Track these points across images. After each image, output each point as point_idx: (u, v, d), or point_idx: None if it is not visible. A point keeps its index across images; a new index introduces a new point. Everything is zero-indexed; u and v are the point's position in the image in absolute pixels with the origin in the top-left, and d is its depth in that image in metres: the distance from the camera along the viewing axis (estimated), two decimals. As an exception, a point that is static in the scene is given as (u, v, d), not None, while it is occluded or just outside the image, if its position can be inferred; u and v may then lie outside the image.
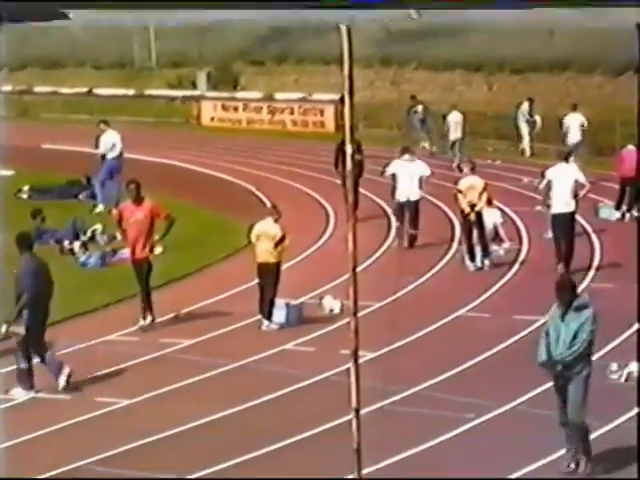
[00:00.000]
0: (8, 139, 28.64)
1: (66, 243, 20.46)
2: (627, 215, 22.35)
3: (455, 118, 31.54)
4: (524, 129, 32.41)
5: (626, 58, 39.91)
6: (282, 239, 15.49)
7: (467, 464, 10.40)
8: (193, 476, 10.47)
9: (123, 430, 11.55)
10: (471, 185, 18.81)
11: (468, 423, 11.43)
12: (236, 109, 43.15)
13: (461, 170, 21.66)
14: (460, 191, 18.83)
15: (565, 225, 18.00)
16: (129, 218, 15.52)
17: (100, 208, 23.88)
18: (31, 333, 12.73)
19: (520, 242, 20.52)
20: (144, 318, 15.36)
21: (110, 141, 24.54)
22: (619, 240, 20.38)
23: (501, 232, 20.05)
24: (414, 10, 42.74)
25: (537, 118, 32.41)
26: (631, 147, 22.77)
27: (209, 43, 50.05)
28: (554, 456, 10.55)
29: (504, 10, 43.76)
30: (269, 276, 15.47)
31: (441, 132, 32.32)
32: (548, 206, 18.59)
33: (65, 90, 46.83)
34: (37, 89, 47.21)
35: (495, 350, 13.98)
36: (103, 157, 24.56)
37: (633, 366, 12.81)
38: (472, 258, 18.71)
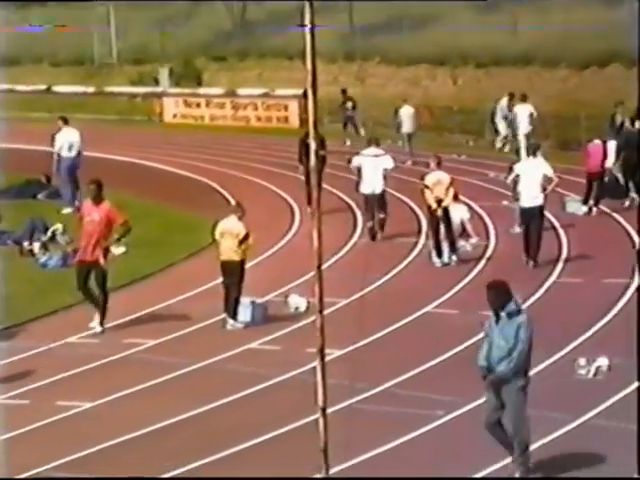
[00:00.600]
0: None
1: (26, 244, 20.30)
2: (594, 209, 22.50)
3: (407, 112, 31.92)
4: (501, 125, 32.26)
5: (590, 52, 40.21)
6: (246, 237, 15.46)
7: (436, 462, 10.41)
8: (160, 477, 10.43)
9: (85, 434, 11.48)
10: (437, 180, 18.86)
11: (437, 420, 11.46)
12: (199, 105, 43.04)
13: (416, 164, 21.81)
14: (427, 186, 18.88)
15: (533, 219, 18.20)
16: (85, 217, 15.41)
17: (68, 208, 23.65)
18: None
19: (487, 237, 20.60)
20: (101, 324, 15.18)
21: (66, 139, 24.35)
22: (586, 234, 20.53)
23: (468, 227, 20.13)
24: None
25: (517, 113, 32.43)
26: (597, 142, 22.94)
27: (171, 39, 49.90)
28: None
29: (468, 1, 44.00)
30: (233, 274, 15.43)
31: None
32: (516, 200, 18.78)
33: (22, 87, 46.42)
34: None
35: (463, 346, 14.02)
36: (59, 155, 24.35)
37: (601, 361, 12.89)
38: (439, 254, 18.76)
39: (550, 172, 18.39)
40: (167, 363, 13.70)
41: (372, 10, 45.96)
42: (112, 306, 15.73)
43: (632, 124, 24.28)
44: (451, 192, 18.89)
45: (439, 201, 18.72)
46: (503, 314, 9.87)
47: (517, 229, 20.17)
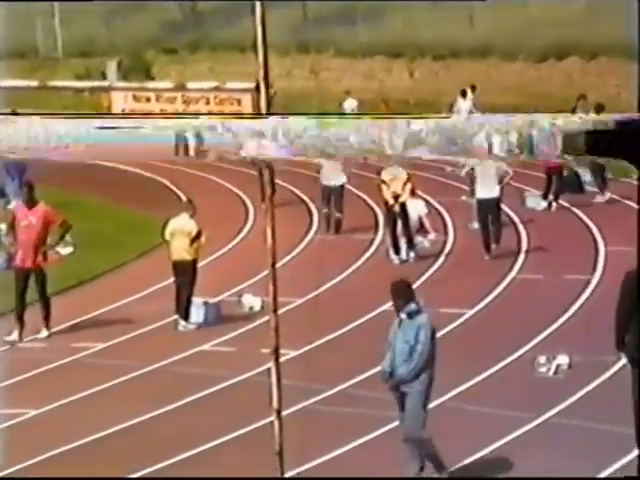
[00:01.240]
0: None
1: (-33, 245, 20.06)
2: (554, 204, 22.68)
3: (350, 105, 32.24)
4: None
5: (547, 44, 40.52)
6: (198, 235, 15.41)
7: (394, 464, 10.44)
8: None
9: (32, 442, 11.38)
10: (394, 176, 18.92)
11: (395, 421, 11.49)
12: (148, 100, 42.69)
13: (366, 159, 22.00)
14: (383, 182, 18.94)
15: (490, 210, 18.49)
16: (20, 221, 15.18)
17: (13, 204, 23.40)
18: None
19: (446, 233, 20.70)
20: (47, 328, 15.03)
21: None
22: (546, 230, 20.67)
23: (426, 223, 20.20)
24: None
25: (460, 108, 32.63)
26: (556, 134, 23.09)
27: (119, 31, 49.62)
28: (484, 451, 10.65)
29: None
30: (185, 274, 15.38)
31: None
32: (472, 192, 19.01)
33: (-39, 82, 45.95)
34: None
35: (421, 345, 14.05)
36: None
37: (561, 359, 12.98)
38: (397, 251, 18.82)
39: (504, 165, 18.67)
40: (117, 366, 13.63)
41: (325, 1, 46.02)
42: (59, 309, 15.63)
43: None
44: (408, 187, 18.96)
45: (396, 197, 18.78)
46: (403, 315, 9.80)
47: (475, 224, 20.30)
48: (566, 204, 22.72)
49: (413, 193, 19.59)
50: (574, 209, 22.36)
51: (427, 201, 21.77)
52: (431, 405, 11.86)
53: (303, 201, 24.00)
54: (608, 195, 22.79)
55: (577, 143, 5.65)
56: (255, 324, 15.08)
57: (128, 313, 16.08)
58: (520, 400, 11.99)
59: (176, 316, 15.48)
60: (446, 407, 11.96)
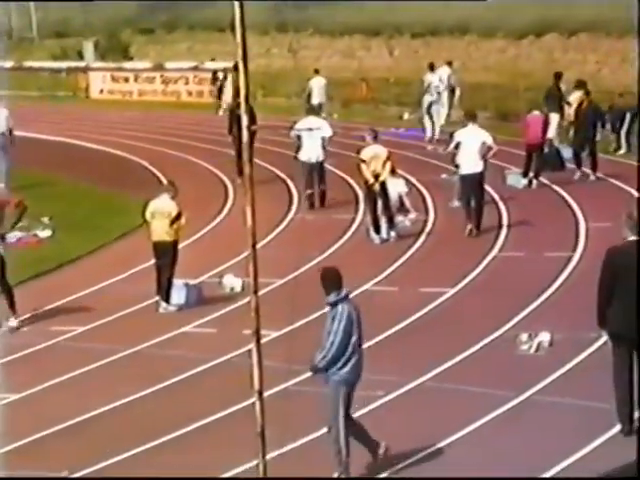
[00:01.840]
0: None
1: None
2: (534, 182, 22.70)
3: (318, 83, 32.27)
4: (444, 96, 32.03)
5: (526, 21, 40.55)
6: (178, 216, 15.39)
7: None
8: (91, 469, 10.39)
9: (13, 426, 11.36)
10: (374, 154, 18.92)
11: (376, 401, 11.54)
12: (127, 80, 42.65)
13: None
14: (363, 161, 18.93)
15: (474, 185, 18.62)
16: None
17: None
18: None
19: (426, 212, 20.72)
20: (14, 316, 14.80)
21: None
22: (527, 208, 20.72)
23: (406, 202, 20.21)
24: None
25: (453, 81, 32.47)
26: (536, 113, 23.09)
27: (94, 11, 49.34)
28: (466, 430, 10.71)
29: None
30: (166, 256, 15.36)
31: (343, 98, 32.60)
32: (457, 166, 19.10)
33: None
34: None
35: (403, 324, 14.12)
36: None
37: (543, 336, 13.06)
38: (377, 230, 18.83)
39: (490, 140, 18.80)
40: (98, 349, 13.62)
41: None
42: (38, 292, 15.59)
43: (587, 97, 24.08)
44: (388, 166, 18.96)
45: (376, 176, 18.78)
46: (331, 304, 9.70)
47: (456, 203, 20.34)
48: (546, 181, 22.76)
49: (393, 172, 19.59)
50: (555, 187, 22.41)
51: (408, 180, 21.79)
52: (412, 385, 11.95)
53: (283, 180, 23.97)
54: (593, 177, 22.78)
55: None
56: (236, 305, 15.09)
57: (108, 295, 16.06)
58: (501, 378, 12.05)
59: (157, 298, 15.46)
60: (427, 386, 12.02)
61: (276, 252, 16.20)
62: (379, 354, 13.08)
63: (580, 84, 25.25)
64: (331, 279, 9.71)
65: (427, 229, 19.59)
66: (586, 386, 11.53)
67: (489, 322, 13.89)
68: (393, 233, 18.88)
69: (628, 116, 25.91)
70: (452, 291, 15.56)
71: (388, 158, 18.99)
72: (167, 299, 15.39)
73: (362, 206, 20.75)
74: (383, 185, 18.88)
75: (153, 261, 15.63)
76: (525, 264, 16.90)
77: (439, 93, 29.74)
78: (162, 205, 15.50)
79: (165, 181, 18.45)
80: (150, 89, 42.04)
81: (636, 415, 10.46)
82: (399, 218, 19.51)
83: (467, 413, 11.07)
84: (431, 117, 29.22)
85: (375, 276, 16.46)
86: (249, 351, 8.12)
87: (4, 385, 12.48)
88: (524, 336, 13.13)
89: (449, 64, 32.42)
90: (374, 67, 40.77)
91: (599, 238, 16.99)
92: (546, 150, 23.34)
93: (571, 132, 24.52)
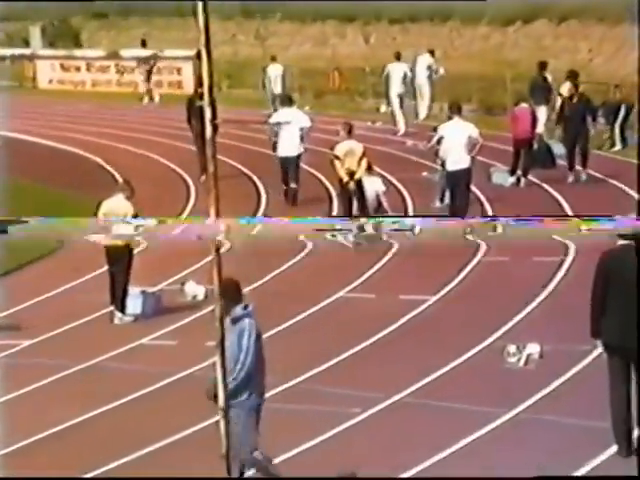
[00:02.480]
0: None
1: None
2: (522, 180, 22.78)
3: (275, 71, 32.38)
4: (426, 88, 31.99)
5: (513, 6, 40.72)
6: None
7: (352, 464, 10.48)
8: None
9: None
10: (349, 150, 18.95)
11: (353, 418, 11.54)
12: (78, 69, 42.57)
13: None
14: (337, 157, 18.96)
15: (460, 182, 18.71)
16: None
17: None
18: None
19: (405, 212, 20.77)
20: None
21: None
22: (514, 208, 20.79)
23: (384, 202, 20.25)
24: None
25: (441, 71, 32.57)
26: (525, 105, 23.15)
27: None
28: (449, 451, 10.72)
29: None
30: (120, 262, 15.33)
31: (315, 89, 32.67)
32: (442, 164, 19.20)
33: None
34: None
35: (380, 335, 14.14)
36: None
37: (532, 347, 13.09)
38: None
39: (476, 133, 18.91)
40: (47, 365, 13.56)
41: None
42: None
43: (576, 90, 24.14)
44: (364, 163, 19.00)
45: (351, 173, 18.81)
46: (228, 320, 9.23)
47: (438, 203, 20.39)
48: (536, 180, 22.86)
49: (370, 169, 19.63)
50: (545, 185, 22.50)
51: (385, 178, 21.83)
52: (392, 401, 11.96)
53: (250, 178, 23.97)
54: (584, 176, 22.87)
55: None
56: (199, 314, 15.07)
57: (58, 306, 16.01)
58: (487, 394, 12.07)
59: (111, 308, 15.42)
60: (408, 403, 12.03)
61: (241, 257, 16.18)
62: (355, 367, 13.12)
63: (572, 74, 25.35)
64: (233, 292, 9.39)
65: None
66: (580, 402, 11.57)
67: (474, 332, 13.92)
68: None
69: (623, 109, 26.06)
70: (434, 298, 15.60)
71: (364, 154, 19.03)
72: (122, 309, 15.35)
73: (336, 206, 20.77)
74: (359, 184, 18.92)
75: (106, 267, 15.59)
76: (512, 270, 16.96)
77: (410, 84, 30.04)
78: (116, 206, 15.47)
79: (120, 180, 18.38)
80: (104, 79, 41.98)
81: (635, 434, 10.46)
82: (376, 219, 19.56)
83: (450, 432, 11.08)
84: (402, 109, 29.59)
85: (350, 282, 16.48)
86: (213, 364, 8.10)
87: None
88: (512, 348, 13.16)
89: (431, 53, 32.51)
90: (349, 55, 40.85)
91: (592, 241, 17.05)
92: (535, 146, 23.42)
93: (558, 129, 24.53)
